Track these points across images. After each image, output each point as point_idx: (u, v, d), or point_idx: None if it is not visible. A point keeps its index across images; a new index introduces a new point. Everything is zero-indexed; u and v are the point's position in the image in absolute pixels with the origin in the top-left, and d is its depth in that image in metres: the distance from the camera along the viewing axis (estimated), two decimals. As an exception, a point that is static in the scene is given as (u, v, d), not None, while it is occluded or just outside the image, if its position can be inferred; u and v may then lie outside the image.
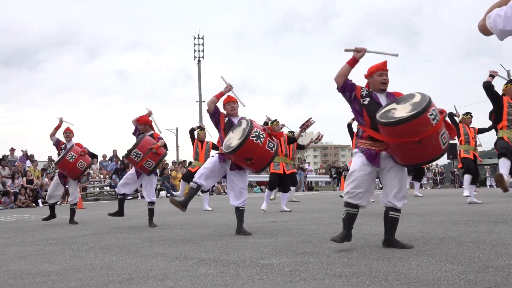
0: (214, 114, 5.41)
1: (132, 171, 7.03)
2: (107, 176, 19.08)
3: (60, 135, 8.03)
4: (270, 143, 5.03)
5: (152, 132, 7.04)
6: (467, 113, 9.36)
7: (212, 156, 5.66)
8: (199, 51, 31.51)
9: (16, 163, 16.57)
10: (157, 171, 7.61)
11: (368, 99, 3.96)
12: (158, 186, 19.31)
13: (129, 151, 6.57)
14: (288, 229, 5.64)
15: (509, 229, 4.78)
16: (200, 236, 5.30)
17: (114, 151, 19.83)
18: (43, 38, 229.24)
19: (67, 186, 8.13)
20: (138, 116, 7.13)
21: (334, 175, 24.88)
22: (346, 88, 4.03)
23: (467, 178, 9.08)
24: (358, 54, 4.04)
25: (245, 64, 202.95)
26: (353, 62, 4.05)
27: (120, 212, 7.01)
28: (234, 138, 5.02)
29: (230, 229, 5.86)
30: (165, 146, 6.89)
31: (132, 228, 6.67)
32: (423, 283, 2.65)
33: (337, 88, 4.08)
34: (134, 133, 7.16)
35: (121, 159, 19.90)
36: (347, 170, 24.97)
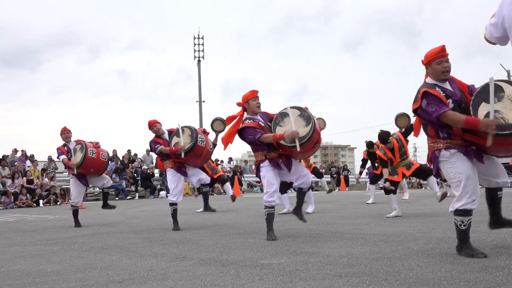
0: (243, 138, 4.95)
1: (172, 175, 6.43)
2: (107, 176, 19.08)
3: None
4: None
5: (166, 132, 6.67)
6: None
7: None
8: (199, 51, 31.48)
9: (16, 163, 16.57)
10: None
11: (450, 100, 3.53)
12: (158, 186, 19.31)
13: (195, 142, 6.10)
14: (288, 229, 5.64)
15: (509, 229, 4.77)
16: (200, 236, 5.30)
17: (114, 151, 19.80)
18: (45, 38, 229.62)
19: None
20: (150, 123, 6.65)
21: (335, 175, 24.86)
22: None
23: None
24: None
25: (246, 63, 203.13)
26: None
27: (176, 224, 6.31)
28: (298, 128, 4.65)
29: (230, 229, 5.87)
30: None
31: (132, 228, 6.67)
32: (423, 283, 2.65)
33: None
34: (155, 149, 6.53)
35: (121, 159, 19.92)
36: (347, 170, 24.96)
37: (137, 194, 18.28)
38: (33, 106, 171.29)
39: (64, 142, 7.51)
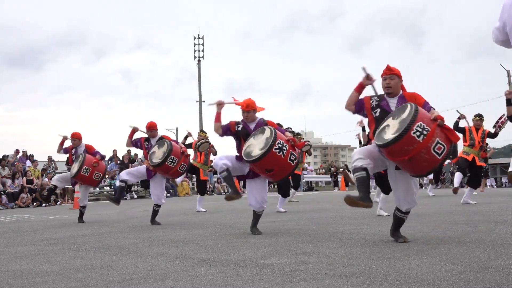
0: (226, 133, 5.30)
1: (142, 167, 7.05)
2: (107, 176, 19.09)
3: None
4: (292, 156, 4.88)
5: (160, 135, 7.03)
6: (478, 115, 9.03)
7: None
8: (199, 51, 31.52)
9: (15, 163, 16.57)
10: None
11: (378, 110, 4.06)
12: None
13: (163, 160, 6.38)
14: (288, 229, 5.64)
15: (509, 229, 4.78)
16: (200, 236, 5.30)
17: (114, 151, 19.83)
18: (50, 38, 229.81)
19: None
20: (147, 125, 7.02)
21: (335, 173, 24.87)
22: (358, 111, 4.20)
23: (457, 175, 9.15)
24: (366, 81, 4.19)
25: (250, 63, 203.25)
26: (359, 89, 4.22)
27: (117, 199, 7.07)
28: (255, 147, 4.84)
29: (230, 229, 5.86)
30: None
31: (132, 228, 6.67)
32: (423, 283, 2.65)
33: (353, 113, 4.26)
34: (137, 146, 7.18)
35: (120, 159, 19.91)
36: (348, 170, 25.00)
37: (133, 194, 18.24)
38: (34, 106, 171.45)
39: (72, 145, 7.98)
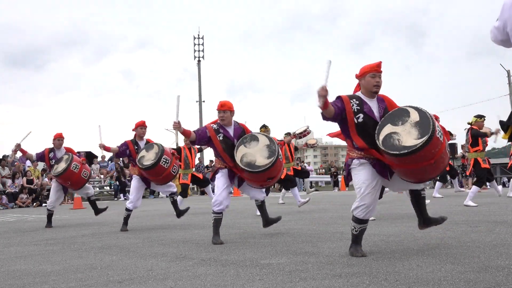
0: (201, 140, 4.91)
1: (136, 182, 6.54)
2: (107, 176, 19.08)
3: (42, 144, 7.58)
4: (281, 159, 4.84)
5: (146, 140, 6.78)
6: (480, 116, 8.95)
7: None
8: (199, 51, 31.50)
9: (16, 163, 16.56)
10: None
11: (361, 115, 3.65)
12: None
13: (156, 161, 6.13)
14: (288, 229, 5.64)
15: (509, 229, 4.77)
16: (200, 236, 5.30)
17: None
18: (52, 38, 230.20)
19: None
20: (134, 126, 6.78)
21: (335, 173, 24.86)
22: (337, 117, 3.68)
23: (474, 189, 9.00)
24: (320, 100, 3.53)
25: (251, 63, 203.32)
26: (326, 105, 3.56)
27: (125, 228, 6.43)
28: (256, 156, 4.69)
29: (230, 229, 5.86)
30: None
31: (132, 228, 6.67)
32: (423, 283, 2.65)
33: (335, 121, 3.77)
34: (125, 153, 6.69)
35: (120, 159, 19.90)
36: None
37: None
38: (34, 106, 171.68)
39: (52, 147, 7.49)
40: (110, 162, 19.43)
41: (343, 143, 4.52)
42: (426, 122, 3.40)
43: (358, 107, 3.67)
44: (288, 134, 9.89)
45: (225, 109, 4.89)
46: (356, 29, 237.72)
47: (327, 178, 27.10)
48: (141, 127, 6.70)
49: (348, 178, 3.90)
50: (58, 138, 7.51)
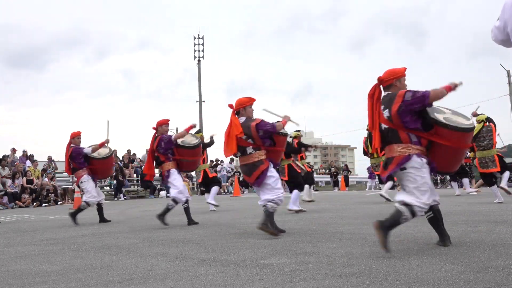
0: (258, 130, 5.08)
1: (178, 173, 6.81)
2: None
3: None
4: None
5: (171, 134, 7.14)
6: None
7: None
8: (199, 51, 31.49)
9: (15, 163, 16.56)
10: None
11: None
12: (158, 186, 19.29)
13: (199, 142, 6.99)
14: (288, 229, 5.64)
15: (509, 229, 4.77)
16: (200, 236, 5.30)
17: (114, 151, 19.81)
18: (54, 38, 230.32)
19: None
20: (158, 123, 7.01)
21: (335, 173, 24.88)
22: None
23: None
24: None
25: (252, 63, 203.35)
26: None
27: (193, 221, 6.73)
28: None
29: (230, 229, 5.86)
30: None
31: (132, 228, 6.67)
32: (423, 283, 2.65)
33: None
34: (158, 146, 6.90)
35: (120, 159, 19.90)
36: (347, 170, 24.95)
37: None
38: (35, 106, 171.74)
39: (74, 146, 7.77)
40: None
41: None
42: (459, 112, 3.98)
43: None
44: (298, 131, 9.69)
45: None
46: (357, 29, 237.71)
47: (327, 178, 27.13)
48: (165, 125, 6.95)
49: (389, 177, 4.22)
50: (78, 136, 7.87)
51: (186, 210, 6.75)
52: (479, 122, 8.83)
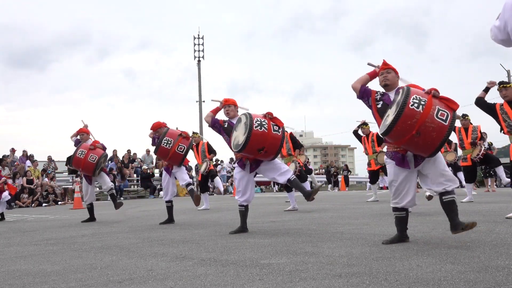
0: (214, 124, 5.63)
1: (164, 176, 7.15)
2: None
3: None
4: (274, 127, 5.10)
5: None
6: (464, 115, 9.32)
7: (236, 171, 5.55)
8: (199, 51, 31.51)
9: (15, 163, 16.57)
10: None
11: (381, 102, 4.11)
12: (158, 186, 19.30)
13: (158, 143, 6.73)
14: (288, 229, 5.64)
15: (509, 229, 4.77)
16: (200, 236, 5.30)
17: (114, 151, 19.82)
18: (55, 38, 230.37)
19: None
20: (152, 125, 7.21)
21: (335, 173, 24.85)
22: (363, 94, 4.22)
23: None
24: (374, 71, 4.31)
25: (253, 63, 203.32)
26: (373, 75, 4.30)
27: (170, 220, 7.08)
28: (239, 135, 5.10)
29: (230, 229, 5.86)
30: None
31: (132, 228, 6.67)
32: (423, 283, 2.65)
33: (356, 96, 4.27)
34: (153, 144, 7.24)
35: (120, 159, 19.91)
36: (347, 170, 24.94)
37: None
38: (35, 106, 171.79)
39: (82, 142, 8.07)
40: (110, 162, 19.44)
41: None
42: (401, 96, 3.69)
43: (380, 96, 4.17)
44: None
45: (229, 103, 5.67)
46: (358, 29, 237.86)
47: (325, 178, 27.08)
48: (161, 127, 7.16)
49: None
50: (82, 133, 8.13)
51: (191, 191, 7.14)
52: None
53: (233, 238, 5.04)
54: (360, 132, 10.47)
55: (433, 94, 3.69)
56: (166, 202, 7.10)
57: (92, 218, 8.07)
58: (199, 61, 31.34)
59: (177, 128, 7.20)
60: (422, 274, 2.87)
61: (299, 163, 9.47)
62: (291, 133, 9.48)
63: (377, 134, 9.98)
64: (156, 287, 2.89)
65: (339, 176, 24.44)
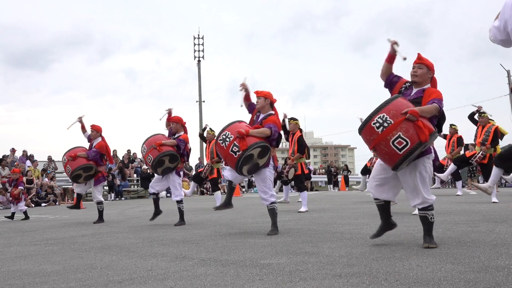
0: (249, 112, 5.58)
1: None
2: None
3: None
4: (234, 147, 4.92)
5: (183, 132, 6.94)
6: (451, 125, 9.44)
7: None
8: (199, 51, 31.53)
9: (15, 163, 16.56)
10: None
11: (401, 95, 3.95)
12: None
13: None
14: (288, 229, 5.64)
15: (509, 229, 4.78)
16: (200, 236, 5.30)
17: (114, 151, 19.82)
18: (56, 38, 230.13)
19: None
20: (169, 118, 7.10)
21: (335, 173, 24.86)
22: (387, 86, 4.14)
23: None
24: (391, 49, 4.05)
25: (254, 63, 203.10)
26: (389, 59, 4.09)
27: (157, 212, 7.06)
28: None
29: (230, 229, 5.87)
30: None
31: (132, 228, 6.67)
32: (423, 283, 2.65)
33: (384, 85, 4.20)
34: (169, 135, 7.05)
35: (120, 159, 19.91)
36: (347, 170, 24.94)
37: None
38: (35, 106, 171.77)
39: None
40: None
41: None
42: (374, 110, 3.65)
43: (404, 89, 4.02)
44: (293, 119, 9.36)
45: (259, 95, 5.40)
46: (359, 29, 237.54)
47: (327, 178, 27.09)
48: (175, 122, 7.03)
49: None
50: (91, 130, 8.15)
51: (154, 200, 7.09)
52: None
53: (233, 238, 5.04)
54: None
55: (407, 117, 3.50)
56: (177, 202, 6.89)
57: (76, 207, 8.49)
58: (199, 61, 31.36)
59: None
60: (422, 274, 2.87)
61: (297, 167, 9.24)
62: (300, 136, 9.11)
63: None
64: (156, 287, 2.89)
65: (339, 176, 24.46)
